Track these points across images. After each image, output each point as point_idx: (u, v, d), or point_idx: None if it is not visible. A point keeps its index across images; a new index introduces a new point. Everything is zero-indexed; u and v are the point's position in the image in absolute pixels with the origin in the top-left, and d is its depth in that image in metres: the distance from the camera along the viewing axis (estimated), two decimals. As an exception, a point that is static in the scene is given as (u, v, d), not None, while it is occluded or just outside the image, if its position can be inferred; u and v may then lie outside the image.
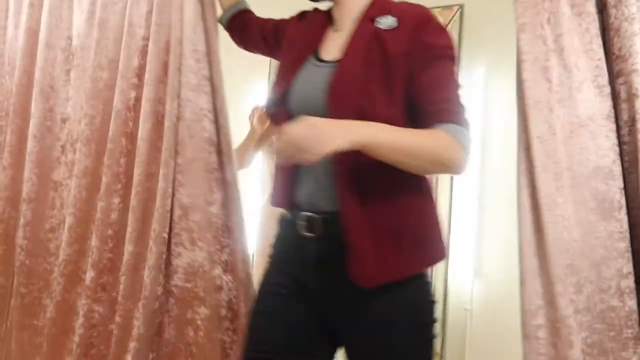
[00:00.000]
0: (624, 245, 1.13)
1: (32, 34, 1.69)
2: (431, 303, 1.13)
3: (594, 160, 1.15)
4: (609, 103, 1.17)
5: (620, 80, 1.20)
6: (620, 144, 1.19)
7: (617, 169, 1.15)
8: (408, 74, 1.06)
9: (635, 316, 1.11)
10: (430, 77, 1.06)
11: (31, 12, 1.70)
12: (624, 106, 1.19)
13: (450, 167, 1.06)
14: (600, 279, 1.13)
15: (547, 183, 1.20)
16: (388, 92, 1.05)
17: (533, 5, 1.23)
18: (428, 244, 1.12)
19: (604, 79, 1.18)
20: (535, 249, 1.19)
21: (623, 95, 1.19)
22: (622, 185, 1.15)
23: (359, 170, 1.05)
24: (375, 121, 1.01)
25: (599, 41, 1.20)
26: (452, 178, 2.38)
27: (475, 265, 2.44)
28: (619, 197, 1.14)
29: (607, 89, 1.18)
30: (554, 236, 1.16)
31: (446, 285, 2.41)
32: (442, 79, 1.07)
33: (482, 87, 2.42)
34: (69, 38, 1.68)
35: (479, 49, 2.40)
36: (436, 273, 2.52)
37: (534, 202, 1.22)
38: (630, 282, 1.12)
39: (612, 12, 1.20)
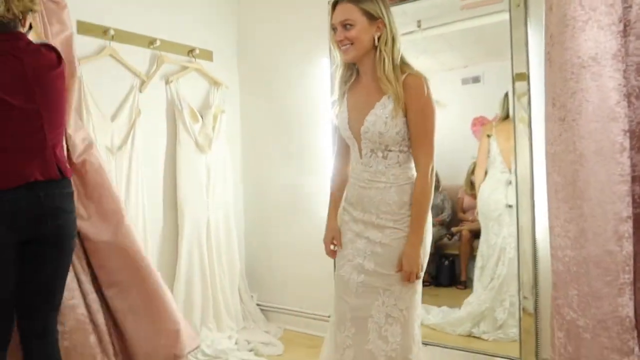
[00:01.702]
0: (625, 188, 1.08)
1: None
2: None
3: (594, 102, 1.11)
4: (616, 41, 1.11)
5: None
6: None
7: (621, 111, 1.10)
8: None
9: (631, 262, 1.07)
10: None
11: None
12: None
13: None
14: (596, 222, 1.11)
15: (551, 128, 1.20)
16: None
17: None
18: None
19: (615, 16, 1.12)
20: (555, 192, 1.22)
21: None
22: (625, 127, 1.09)
23: None
24: None
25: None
26: (530, 134, 2.28)
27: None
28: (621, 140, 1.09)
29: (617, 27, 1.12)
30: (557, 179, 1.17)
31: (534, 243, 2.34)
32: None
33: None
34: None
35: None
36: (523, 232, 2.46)
37: (546, 147, 1.24)
38: (629, 226, 1.07)
39: None
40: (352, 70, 1.67)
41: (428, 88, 1.55)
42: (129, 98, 2.65)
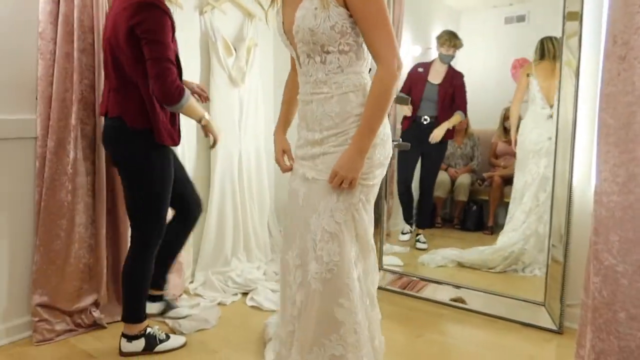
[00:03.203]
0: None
1: None
2: None
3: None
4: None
5: None
6: None
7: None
8: None
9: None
10: None
11: None
12: None
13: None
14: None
15: (609, 67, 1.13)
16: None
17: None
18: None
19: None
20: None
21: None
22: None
23: None
24: None
25: None
26: (577, 78, 2.17)
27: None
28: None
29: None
30: (610, 121, 1.12)
31: (571, 190, 2.29)
32: None
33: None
34: None
35: None
36: (559, 178, 2.40)
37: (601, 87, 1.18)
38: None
39: None
40: None
41: None
42: (164, 27, 2.60)
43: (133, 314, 2.03)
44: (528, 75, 3.02)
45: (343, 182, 1.34)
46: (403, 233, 3.44)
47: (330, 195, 1.38)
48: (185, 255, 2.75)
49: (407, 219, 3.46)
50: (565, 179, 2.29)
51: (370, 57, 1.40)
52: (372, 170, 1.41)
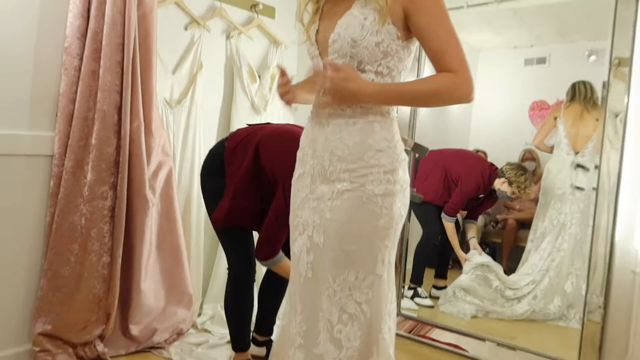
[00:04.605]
0: None
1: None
2: None
3: None
4: None
5: None
6: None
7: None
8: None
9: None
10: None
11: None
12: None
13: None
14: None
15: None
16: None
17: None
18: None
19: None
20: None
21: None
22: None
23: None
24: None
25: None
26: (623, 134, 2.08)
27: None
28: None
29: None
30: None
31: (612, 246, 2.18)
32: None
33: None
34: None
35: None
36: (599, 232, 2.29)
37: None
38: None
39: None
40: None
41: None
42: (192, 50, 2.54)
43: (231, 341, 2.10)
44: (555, 118, 2.94)
45: (332, 78, 1.10)
46: (422, 297, 3.08)
47: (347, 270, 1.17)
48: (195, 286, 2.61)
49: (417, 280, 3.12)
50: (606, 234, 2.18)
51: None
52: (392, 226, 1.20)
